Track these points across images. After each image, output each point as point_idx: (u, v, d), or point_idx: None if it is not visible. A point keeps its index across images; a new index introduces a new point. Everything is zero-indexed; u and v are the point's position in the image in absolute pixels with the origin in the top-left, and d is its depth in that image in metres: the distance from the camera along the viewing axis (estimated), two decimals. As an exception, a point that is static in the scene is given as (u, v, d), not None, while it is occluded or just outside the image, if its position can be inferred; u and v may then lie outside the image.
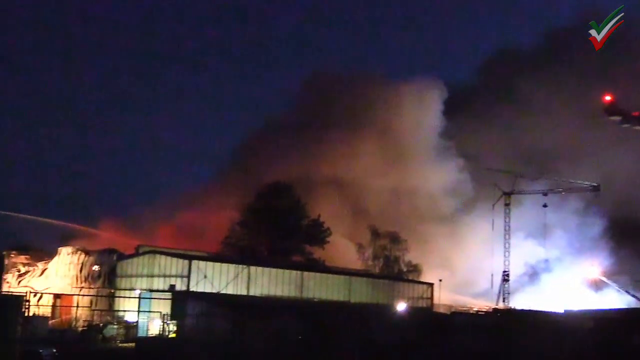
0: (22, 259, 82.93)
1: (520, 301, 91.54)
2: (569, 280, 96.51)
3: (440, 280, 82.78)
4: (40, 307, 66.02)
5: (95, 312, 61.79)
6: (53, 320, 66.51)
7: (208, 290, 63.98)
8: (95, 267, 74.28)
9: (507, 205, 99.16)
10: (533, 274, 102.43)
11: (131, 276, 71.11)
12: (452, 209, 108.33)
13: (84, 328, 59.93)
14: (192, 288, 63.56)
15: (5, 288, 76.53)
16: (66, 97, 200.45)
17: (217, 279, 65.79)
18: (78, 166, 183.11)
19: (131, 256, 73.36)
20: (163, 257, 69.13)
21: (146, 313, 59.50)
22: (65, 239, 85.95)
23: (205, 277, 64.96)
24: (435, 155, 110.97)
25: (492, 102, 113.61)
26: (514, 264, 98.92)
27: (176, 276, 65.93)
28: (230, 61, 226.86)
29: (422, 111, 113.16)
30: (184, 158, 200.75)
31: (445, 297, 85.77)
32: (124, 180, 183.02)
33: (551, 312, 67.94)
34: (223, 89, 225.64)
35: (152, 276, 68.43)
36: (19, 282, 79.75)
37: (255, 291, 67.78)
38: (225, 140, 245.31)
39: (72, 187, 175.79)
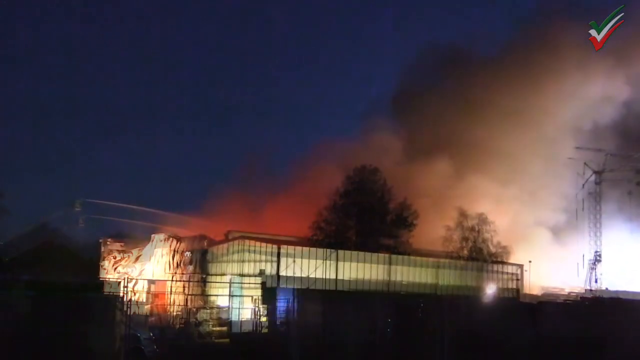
0: (117, 246, 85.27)
1: (613, 283, 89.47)
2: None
3: (530, 262, 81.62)
4: (135, 293, 67.84)
5: (189, 297, 62.80)
6: (148, 306, 68.10)
7: (297, 274, 64.37)
8: (187, 253, 75.82)
9: (597, 184, 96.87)
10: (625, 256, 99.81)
11: (222, 261, 72.35)
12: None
13: (181, 326, 60.61)
14: (282, 272, 64.17)
15: (102, 274, 79.28)
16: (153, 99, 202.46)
17: (305, 262, 66.13)
18: (167, 155, 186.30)
19: (221, 242, 74.53)
20: (252, 242, 69.93)
21: (237, 297, 60.58)
22: (157, 226, 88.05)
23: (294, 261, 65.30)
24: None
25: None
26: (606, 244, 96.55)
27: (266, 261, 66.55)
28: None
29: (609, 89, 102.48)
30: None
31: (535, 279, 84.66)
32: (219, 166, 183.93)
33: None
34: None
35: (242, 261, 69.44)
36: (115, 268, 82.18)
37: (344, 274, 67.97)
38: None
39: (163, 175, 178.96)
